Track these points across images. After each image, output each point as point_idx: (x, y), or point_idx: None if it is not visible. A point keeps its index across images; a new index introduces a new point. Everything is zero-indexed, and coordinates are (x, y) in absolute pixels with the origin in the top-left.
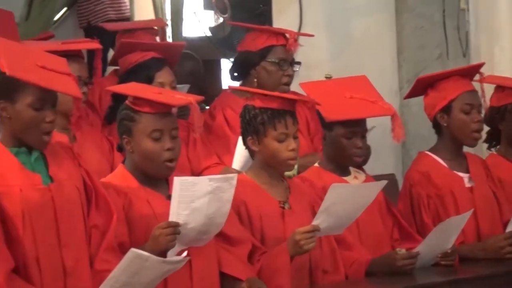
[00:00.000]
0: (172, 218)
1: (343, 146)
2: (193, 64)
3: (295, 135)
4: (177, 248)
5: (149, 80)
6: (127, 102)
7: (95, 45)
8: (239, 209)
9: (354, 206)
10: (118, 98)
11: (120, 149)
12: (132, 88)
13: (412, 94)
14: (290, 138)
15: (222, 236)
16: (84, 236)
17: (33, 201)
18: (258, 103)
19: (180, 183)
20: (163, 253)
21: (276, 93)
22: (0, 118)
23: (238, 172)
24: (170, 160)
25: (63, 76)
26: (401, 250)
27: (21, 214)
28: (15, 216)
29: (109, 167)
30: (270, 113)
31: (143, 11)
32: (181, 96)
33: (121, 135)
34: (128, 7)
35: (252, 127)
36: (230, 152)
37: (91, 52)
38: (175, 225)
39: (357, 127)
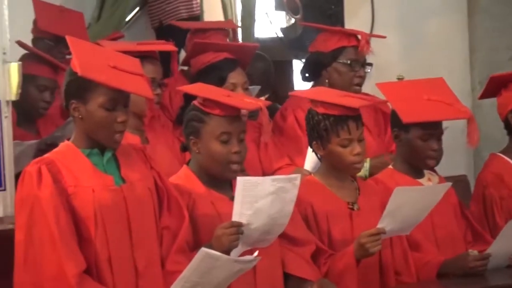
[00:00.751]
0: (235, 218)
1: (419, 148)
2: (263, 65)
3: (359, 138)
4: (240, 249)
5: (221, 81)
6: (195, 103)
7: (171, 47)
8: (305, 211)
9: (419, 208)
10: (190, 99)
11: (185, 149)
12: (202, 89)
13: (486, 93)
14: (354, 142)
15: (285, 237)
16: (156, 237)
17: (106, 201)
18: (320, 109)
19: (243, 183)
20: (226, 253)
21: (336, 101)
22: (73, 119)
23: (309, 173)
24: (236, 163)
25: (135, 77)
26: (473, 252)
27: (93, 215)
28: (87, 217)
29: (180, 168)
30: (333, 120)
31: (212, 10)
32: (251, 100)
33: (187, 136)
34: (199, 5)
35: (316, 132)
36: (302, 153)
37: (162, 53)
38: (238, 225)
39: (434, 129)
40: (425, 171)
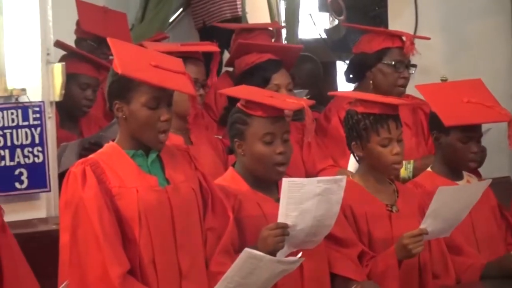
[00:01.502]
0: (281, 219)
1: (459, 150)
2: (312, 66)
3: (399, 138)
4: (286, 250)
5: (265, 82)
6: (239, 105)
7: (214, 48)
8: (345, 213)
9: (459, 207)
10: (234, 100)
11: (231, 151)
12: (244, 91)
13: None
14: (394, 142)
15: (331, 238)
16: (200, 238)
17: (150, 202)
18: (360, 108)
19: (288, 185)
20: (272, 255)
21: (377, 98)
22: (117, 119)
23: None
24: (281, 164)
25: (177, 75)
26: None
27: (138, 216)
28: (131, 217)
29: (223, 169)
30: (372, 119)
31: (256, 11)
32: (293, 100)
33: (232, 138)
34: (241, 6)
35: (355, 132)
36: (345, 154)
37: (206, 54)
38: (284, 226)
39: (473, 132)
40: (464, 173)
